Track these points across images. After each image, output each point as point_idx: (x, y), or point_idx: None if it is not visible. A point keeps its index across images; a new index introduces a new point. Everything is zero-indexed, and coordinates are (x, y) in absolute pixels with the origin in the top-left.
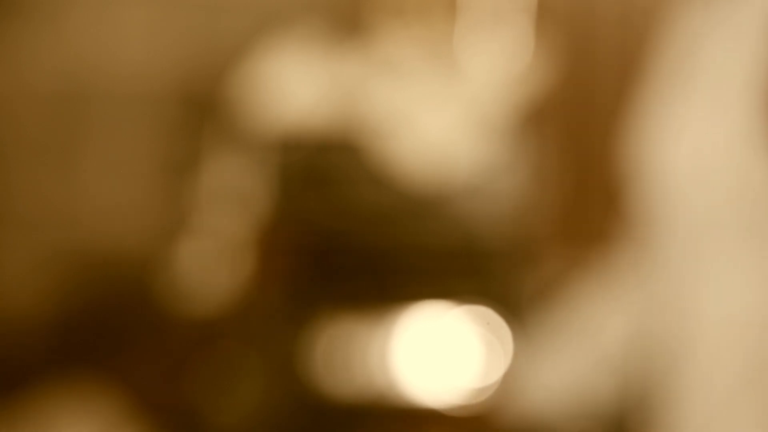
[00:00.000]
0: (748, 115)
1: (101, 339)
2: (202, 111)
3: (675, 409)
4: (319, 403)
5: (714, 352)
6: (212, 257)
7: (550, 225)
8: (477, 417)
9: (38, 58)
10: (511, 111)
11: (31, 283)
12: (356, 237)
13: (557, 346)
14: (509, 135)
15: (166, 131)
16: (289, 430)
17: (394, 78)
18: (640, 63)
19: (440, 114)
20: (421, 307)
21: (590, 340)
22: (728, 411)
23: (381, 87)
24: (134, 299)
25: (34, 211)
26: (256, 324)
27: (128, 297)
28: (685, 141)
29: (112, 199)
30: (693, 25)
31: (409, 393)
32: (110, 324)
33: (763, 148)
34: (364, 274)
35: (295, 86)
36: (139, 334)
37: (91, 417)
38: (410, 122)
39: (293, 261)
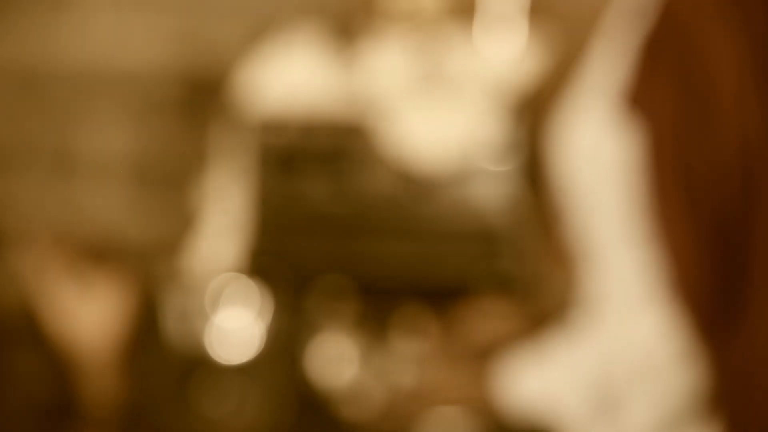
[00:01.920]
0: (609, 112)
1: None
2: (200, 109)
3: None
4: (320, 403)
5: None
6: (213, 255)
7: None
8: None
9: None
10: (510, 99)
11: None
12: (359, 222)
13: (545, 354)
14: (508, 122)
15: (165, 132)
16: None
17: (395, 70)
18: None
19: (441, 104)
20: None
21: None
22: None
23: (382, 78)
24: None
25: (30, 217)
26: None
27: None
28: (569, 141)
29: (108, 203)
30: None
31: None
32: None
33: (619, 134)
34: (367, 262)
35: (297, 80)
36: (139, 334)
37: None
38: (411, 113)
39: (296, 247)
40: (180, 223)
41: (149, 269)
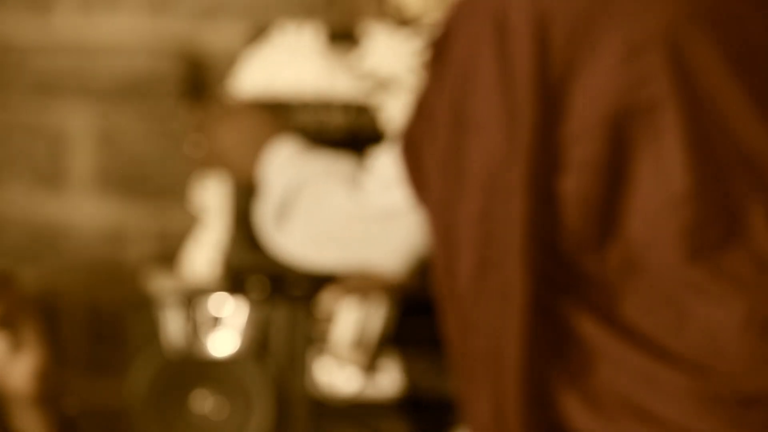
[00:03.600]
0: None
1: (95, 348)
2: (193, 108)
3: None
4: (321, 402)
5: None
6: (209, 256)
7: None
8: None
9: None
10: None
11: None
12: None
13: None
14: None
15: (161, 132)
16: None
17: (392, 59)
18: None
19: None
20: None
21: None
22: None
23: (380, 65)
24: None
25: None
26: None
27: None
28: None
29: (100, 211)
30: None
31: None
32: (105, 335)
33: None
34: None
35: (291, 69)
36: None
37: None
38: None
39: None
40: (176, 224)
41: (145, 272)
